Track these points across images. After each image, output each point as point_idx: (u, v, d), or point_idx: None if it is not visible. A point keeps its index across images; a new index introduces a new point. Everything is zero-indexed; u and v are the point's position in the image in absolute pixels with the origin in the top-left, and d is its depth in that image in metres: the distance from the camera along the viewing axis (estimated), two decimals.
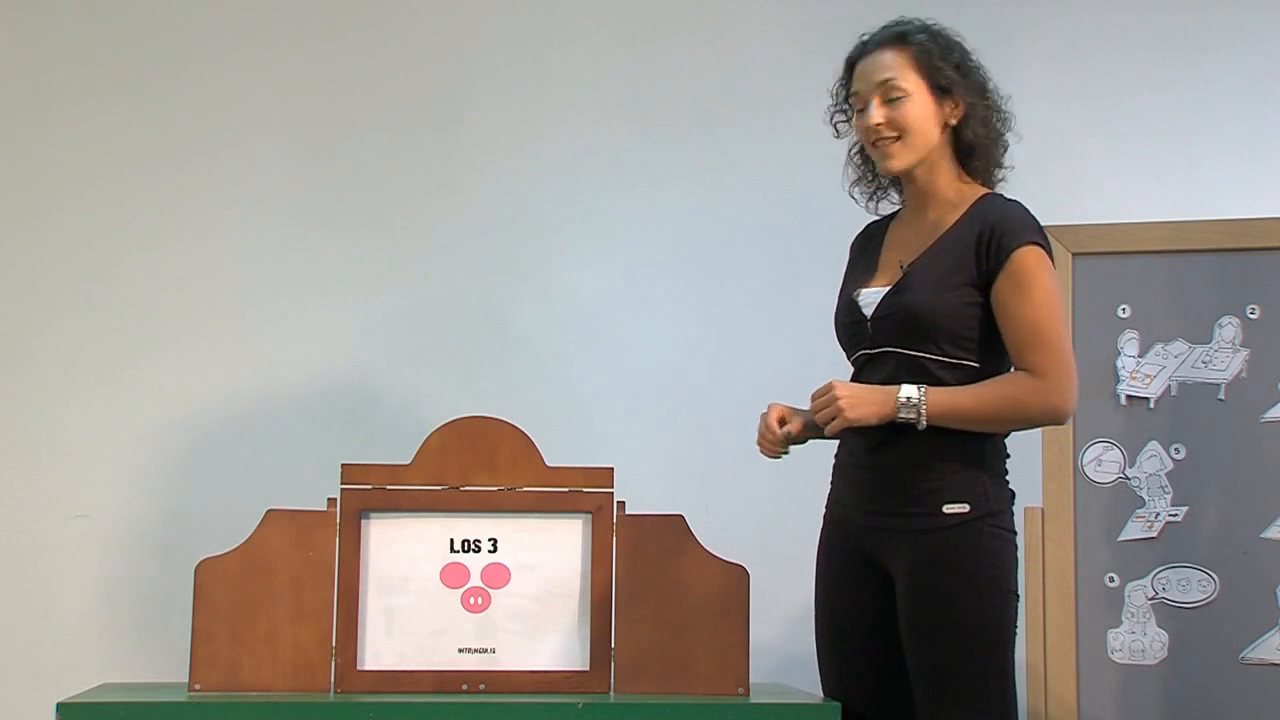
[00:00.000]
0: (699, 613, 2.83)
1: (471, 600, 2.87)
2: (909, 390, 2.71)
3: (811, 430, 2.84)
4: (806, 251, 3.89)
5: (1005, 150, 2.90)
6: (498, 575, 2.88)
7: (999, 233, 2.75)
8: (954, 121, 2.81)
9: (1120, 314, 3.49)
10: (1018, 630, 2.77)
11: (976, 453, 2.74)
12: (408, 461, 2.89)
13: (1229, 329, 3.44)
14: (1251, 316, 3.43)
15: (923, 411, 2.70)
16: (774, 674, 3.27)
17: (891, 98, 2.80)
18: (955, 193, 2.84)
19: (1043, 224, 3.49)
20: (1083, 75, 4.06)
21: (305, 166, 4.00)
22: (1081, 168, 4.01)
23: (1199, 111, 4.02)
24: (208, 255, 3.96)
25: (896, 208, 2.98)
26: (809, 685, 3.00)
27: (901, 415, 2.70)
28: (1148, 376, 3.45)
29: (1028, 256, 2.74)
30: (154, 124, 3.99)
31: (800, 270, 3.93)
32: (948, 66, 2.80)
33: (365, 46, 4.05)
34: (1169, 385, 3.45)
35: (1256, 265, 3.44)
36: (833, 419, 2.72)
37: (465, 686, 2.82)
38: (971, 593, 2.69)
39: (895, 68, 2.80)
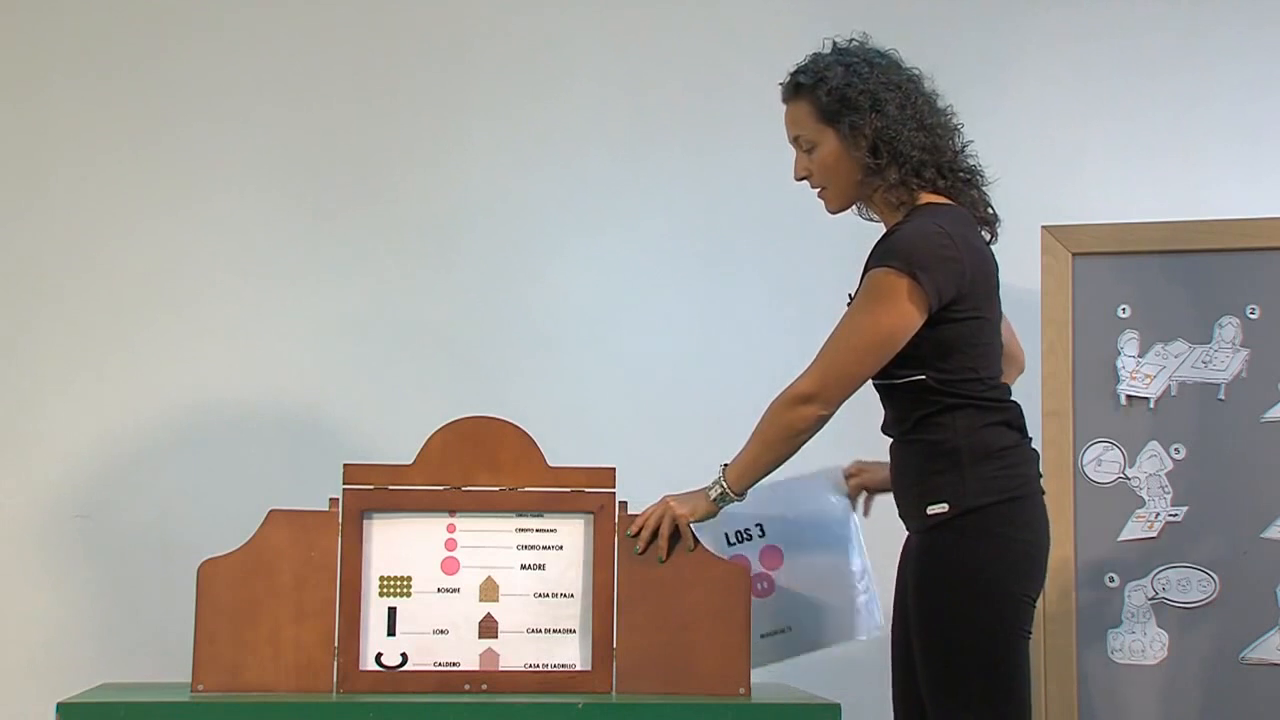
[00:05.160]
0: (700, 613, 2.83)
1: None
2: (714, 479, 2.83)
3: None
4: (809, 250, 3.89)
5: (951, 148, 2.83)
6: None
7: (874, 252, 2.77)
8: (870, 160, 2.77)
9: (1120, 314, 3.49)
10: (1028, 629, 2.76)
11: (951, 453, 2.73)
12: (409, 462, 2.89)
13: (1229, 329, 3.44)
14: (1251, 316, 3.44)
15: (726, 488, 2.82)
16: (774, 674, 3.27)
17: (805, 149, 2.84)
18: (894, 213, 2.83)
19: (1043, 224, 3.53)
20: (1083, 75, 4.06)
21: (306, 164, 4.00)
22: (1081, 167, 4.00)
23: (1200, 111, 4.02)
24: (209, 255, 3.95)
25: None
26: (809, 685, 3.00)
27: (719, 503, 2.84)
28: (1148, 376, 3.46)
29: (874, 278, 2.73)
30: (157, 124, 3.98)
31: (802, 268, 3.93)
32: (847, 106, 2.77)
33: (363, 40, 4.04)
34: (1169, 385, 3.45)
35: (1256, 265, 3.44)
36: (661, 515, 2.84)
37: (467, 686, 2.82)
38: (950, 591, 2.70)
39: (799, 122, 2.84)
